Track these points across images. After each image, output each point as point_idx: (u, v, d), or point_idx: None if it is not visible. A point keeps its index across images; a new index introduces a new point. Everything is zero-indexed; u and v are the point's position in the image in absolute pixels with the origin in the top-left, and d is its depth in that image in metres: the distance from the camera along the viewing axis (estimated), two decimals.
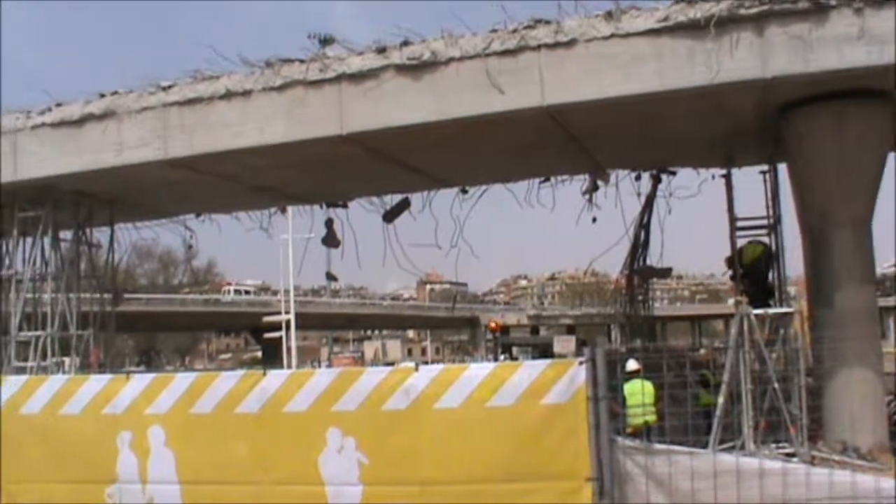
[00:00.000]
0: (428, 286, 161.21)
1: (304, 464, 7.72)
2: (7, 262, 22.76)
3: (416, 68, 16.94)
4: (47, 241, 22.35)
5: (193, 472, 8.00)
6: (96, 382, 8.33)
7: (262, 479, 7.87)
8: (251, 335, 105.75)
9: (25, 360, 21.73)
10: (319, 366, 71.35)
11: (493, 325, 74.48)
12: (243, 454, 7.96)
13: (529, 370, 7.33)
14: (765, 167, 20.03)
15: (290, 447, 7.80)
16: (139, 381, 8.12)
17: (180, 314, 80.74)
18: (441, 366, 8.26)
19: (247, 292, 65.11)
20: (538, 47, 16.20)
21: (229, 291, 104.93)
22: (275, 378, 7.91)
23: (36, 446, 8.37)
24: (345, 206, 24.80)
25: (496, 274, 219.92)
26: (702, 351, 32.55)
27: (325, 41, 22.74)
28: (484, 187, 23.33)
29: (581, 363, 7.17)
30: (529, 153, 20.00)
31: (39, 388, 8.39)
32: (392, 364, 54.77)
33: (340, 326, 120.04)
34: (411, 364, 9.84)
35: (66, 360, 22.34)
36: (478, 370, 7.57)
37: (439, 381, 7.44)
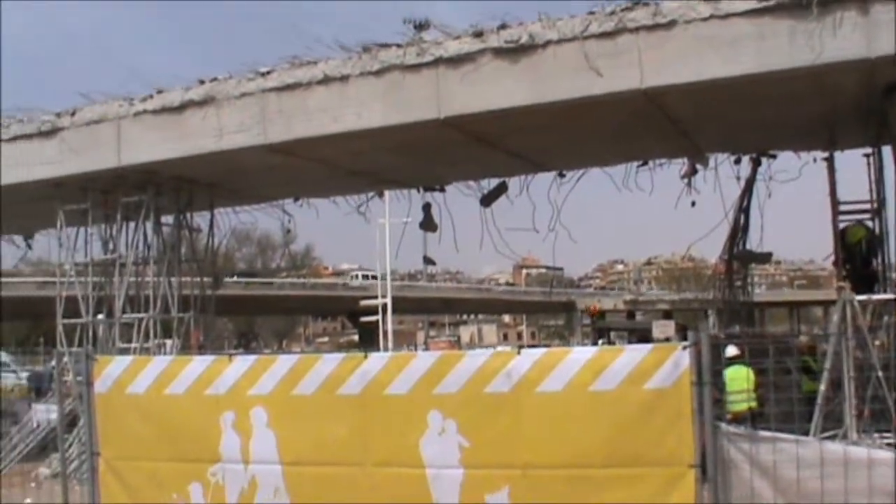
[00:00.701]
0: (524, 271, 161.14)
1: (405, 446, 7.74)
2: (112, 245, 23.21)
3: (513, 51, 16.83)
4: (150, 225, 22.78)
5: (295, 453, 8.07)
6: (200, 363, 8.44)
7: (362, 461, 7.92)
8: (348, 319, 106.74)
9: (129, 341, 22.19)
10: (416, 350, 71.68)
11: (592, 308, 74.09)
12: (344, 436, 8.01)
13: (633, 354, 7.25)
14: (869, 150, 19.53)
15: (391, 429, 7.84)
16: (242, 363, 8.21)
17: (278, 298, 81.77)
18: (543, 349, 8.19)
19: (373, 277, 65.67)
20: (636, 29, 15.98)
21: (357, 276, 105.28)
22: (376, 361, 7.94)
23: (141, 425, 8.53)
24: (442, 189, 24.79)
25: (592, 258, 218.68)
26: (802, 338, 31.97)
27: (421, 26, 22.73)
28: (581, 171, 23.13)
29: (685, 347, 7.07)
30: (627, 136, 19.79)
31: (145, 369, 8.53)
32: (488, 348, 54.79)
33: (436, 310, 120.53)
34: (508, 348, 9.81)
35: (168, 342, 22.76)
36: (580, 354, 7.52)
37: (542, 365, 7.39)
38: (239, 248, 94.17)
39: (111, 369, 8.64)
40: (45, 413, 19.94)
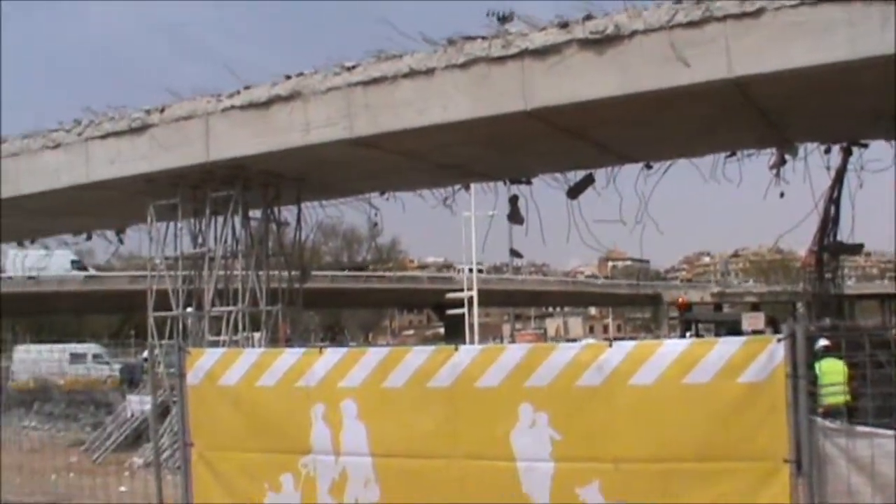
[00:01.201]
0: (610, 263, 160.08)
1: (496, 439, 7.73)
2: (201, 240, 23.54)
3: (599, 42, 16.66)
4: (238, 219, 23.04)
5: (385, 445, 8.10)
6: (290, 356, 8.51)
7: (452, 454, 7.92)
8: (433, 312, 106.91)
9: (218, 334, 22.51)
10: (502, 342, 71.53)
11: (680, 301, 73.33)
12: (434, 428, 8.02)
13: (726, 347, 7.15)
14: None
15: (481, 422, 7.82)
16: (332, 355, 8.26)
17: (364, 291, 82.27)
18: (635, 342, 8.12)
19: (479, 270, 65.60)
20: (724, 18, 15.71)
21: (461, 270, 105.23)
22: (466, 353, 7.94)
23: (232, 416, 8.62)
24: (528, 182, 24.69)
25: (678, 250, 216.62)
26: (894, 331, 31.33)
27: (504, 18, 22.64)
28: (668, 162, 22.87)
29: (780, 340, 6.95)
30: (715, 127, 19.51)
31: (236, 361, 8.63)
32: (574, 341, 54.54)
33: (522, 303, 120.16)
34: (596, 341, 9.75)
35: (256, 335, 23.01)
36: (672, 346, 7.44)
37: (633, 358, 7.33)
38: (325, 242, 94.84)
39: (203, 361, 8.76)
40: (138, 404, 20.33)
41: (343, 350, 8.46)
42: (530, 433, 7.57)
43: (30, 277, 59.96)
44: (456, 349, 7.96)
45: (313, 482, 8.27)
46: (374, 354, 8.14)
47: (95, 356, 51.75)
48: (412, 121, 18.80)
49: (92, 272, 68.42)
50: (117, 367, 49.78)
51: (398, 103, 18.82)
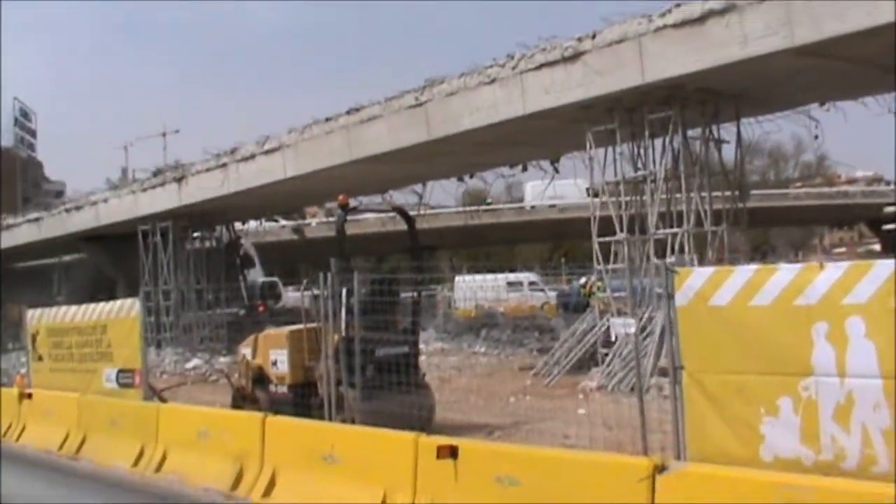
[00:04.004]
0: None
1: None
2: (640, 163, 23.42)
3: None
4: (677, 140, 22.66)
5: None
6: (786, 273, 8.04)
7: None
8: (868, 227, 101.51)
9: (662, 257, 22.35)
10: None
11: None
12: None
13: None
14: None
15: None
16: (834, 271, 7.73)
17: (791, 209, 79.41)
18: None
19: None
20: None
21: None
22: None
23: (725, 337, 8.29)
24: None
25: None
26: None
27: None
28: None
29: None
30: None
31: (727, 280, 8.28)
32: None
33: None
34: None
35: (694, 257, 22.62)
36: None
37: None
38: (750, 161, 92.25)
39: (692, 281, 8.48)
40: (622, 326, 20.55)
41: (845, 264, 7.89)
42: None
43: (551, 206, 62.93)
44: None
45: (814, 406, 7.79)
46: (882, 268, 7.53)
47: (531, 283, 53.44)
48: (860, 22, 17.55)
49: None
50: (552, 293, 51.18)
51: (840, 8, 17.64)
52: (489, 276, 51.67)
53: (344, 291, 13.67)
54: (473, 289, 43.32)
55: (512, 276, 54.63)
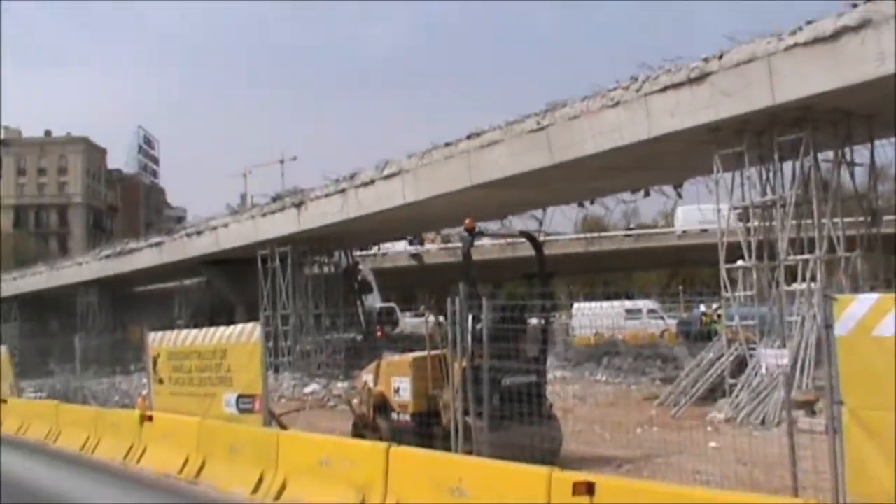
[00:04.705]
0: None
1: None
2: (769, 187, 22.69)
3: None
4: (807, 162, 21.89)
5: None
6: None
7: None
8: None
9: (791, 283, 21.64)
10: None
11: None
12: None
13: None
14: None
15: None
16: None
17: None
18: None
19: None
20: None
21: None
22: None
23: (890, 371, 7.65)
24: None
25: None
26: None
27: None
28: None
29: None
30: None
31: (893, 309, 7.66)
32: None
33: None
34: None
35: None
36: None
37: None
38: (881, 184, 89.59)
39: (853, 310, 7.88)
40: (773, 358, 19.77)
41: None
42: None
43: (702, 230, 62.23)
44: None
45: None
46: None
47: (650, 311, 52.49)
48: None
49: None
50: (671, 321, 50.20)
51: None
52: (606, 304, 50.90)
53: (470, 318, 13.32)
54: (590, 316, 42.59)
55: (630, 304, 53.73)
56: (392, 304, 56.70)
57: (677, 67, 22.56)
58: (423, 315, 65.11)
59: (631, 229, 71.50)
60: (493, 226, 34.74)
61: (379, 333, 47.01)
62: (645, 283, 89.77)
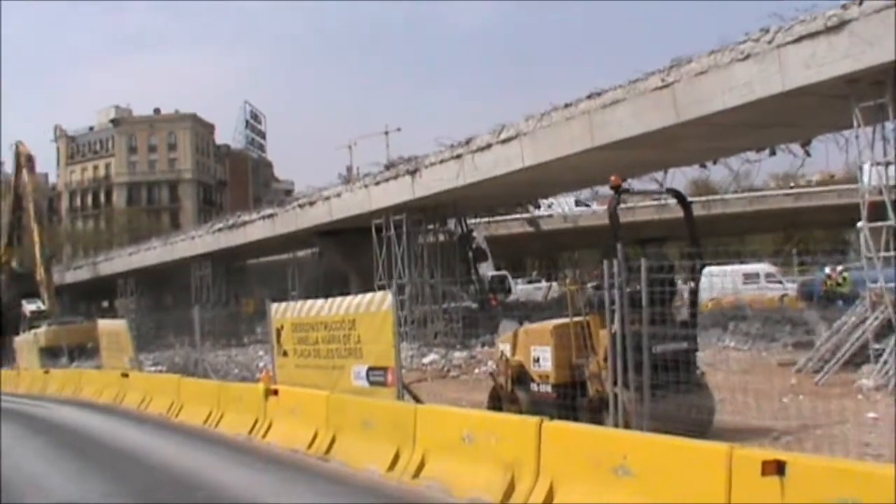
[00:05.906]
0: None
1: None
2: None
3: None
4: None
5: None
6: None
7: None
8: None
9: None
10: None
11: None
12: None
13: None
14: None
15: None
16: None
17: None
18: None
19: None
20: None
21: None
22: None
23: None
24: None
25: None
26: None
27: None
28: None
29: None
30: None
31: None
32: None
33: None
34: None
35: None
36: None
37: None
38: None
39: None
40: None
41: None
42: None
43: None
44: None
45: None
46: None
47: (768, 275, 51.18)
48: None
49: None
50: (790, 285, 48.94)
51: None
52: (725, 269, 49.64)
53: (616, 282, 12.52)
54: (710, 281, 41.43)
55: (748, 268, 52.32)
56: (504, 272, 56.06)
57: (812, 16, 21.39)
58: (535, 282, 64.78)
59: (751, 189, 69.52)
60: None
61: (493, 302, 46.43)
62: (756, 246, 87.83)
